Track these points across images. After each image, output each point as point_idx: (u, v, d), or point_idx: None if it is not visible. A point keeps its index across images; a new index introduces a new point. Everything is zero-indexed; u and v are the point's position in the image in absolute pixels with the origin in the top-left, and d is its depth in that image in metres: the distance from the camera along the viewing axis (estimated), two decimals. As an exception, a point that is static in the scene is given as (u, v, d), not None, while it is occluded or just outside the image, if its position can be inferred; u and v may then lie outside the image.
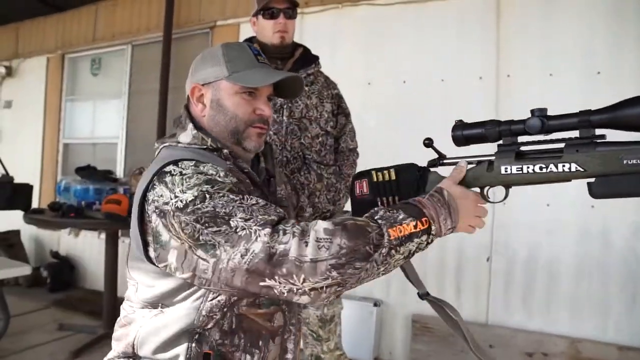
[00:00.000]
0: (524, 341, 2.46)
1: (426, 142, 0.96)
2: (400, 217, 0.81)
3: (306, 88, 1.82)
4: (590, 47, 2.46)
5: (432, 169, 0.97)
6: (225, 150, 0.98)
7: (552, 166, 0.82)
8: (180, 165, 0.88)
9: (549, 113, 0.83)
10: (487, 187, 0.92)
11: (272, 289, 0.77)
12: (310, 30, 3.11)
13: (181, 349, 0.89)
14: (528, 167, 0.84)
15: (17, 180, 2.98)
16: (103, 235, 3.45)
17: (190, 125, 1.00)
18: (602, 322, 2.37)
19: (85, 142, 4.60)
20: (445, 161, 0.96)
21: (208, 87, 1.01)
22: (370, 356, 2.74)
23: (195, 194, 0.82)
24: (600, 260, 2.39)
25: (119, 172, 4.09)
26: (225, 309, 0.91)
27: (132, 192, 3.02)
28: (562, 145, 0.83)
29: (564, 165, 0.81)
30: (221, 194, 0.82)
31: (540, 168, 0.83)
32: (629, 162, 0.75)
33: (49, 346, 2.84)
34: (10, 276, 2.75)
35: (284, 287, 0.76)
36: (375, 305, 2.77)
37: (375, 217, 0.81)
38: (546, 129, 0.82)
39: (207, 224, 0.79)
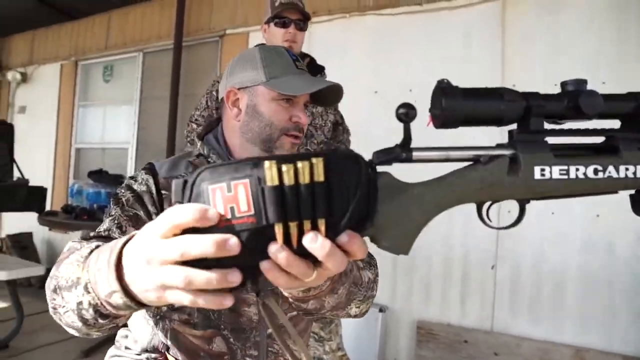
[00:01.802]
0: (529, 349, 2.47)
1: (400, 112, 0.50)
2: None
3: None
4: (595, 57, 2.48)
5: (379, 168, 0.51)
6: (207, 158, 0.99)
7: (611, 169, 0.54)
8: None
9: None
10: (490, 203, 0.57)
11: None
12: (318, 39, 3.17)
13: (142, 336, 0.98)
14: (577, 170, 0.53)
15: (31, 183, 3.06)
16: (113, 239, 3.51)
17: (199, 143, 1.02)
18: (608, 332, 2.38)
19: (97, 147, 4.69)
20: (413, 153, 0.52)
21: (244, 91, 0.97)
22: (375, 362, 2.77)
23: (115, 192, 0.94)
24: (606, 269, 2.40)
25: (130, 177, 4.16)
26: (157, 317, 0.93)
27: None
28: (607, 141, 0.57)
29: (627, 169, 0.54)
30: (115, 200, 0.90)
31: (596, 171, 0.54)
32: None
33: (61, 345, 2.90)
34: (24, 276, 2.82)
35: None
36: (380, 310, 2.80)
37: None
38: (600, 111, 0.54)
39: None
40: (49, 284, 0.67)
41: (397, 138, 0.51)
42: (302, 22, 1.86)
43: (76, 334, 0.66)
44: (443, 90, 0.53)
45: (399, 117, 0.51)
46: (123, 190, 0.91)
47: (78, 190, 3.20)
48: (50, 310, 0.67)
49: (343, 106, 2.08)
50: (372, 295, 0.87)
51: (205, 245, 0.41)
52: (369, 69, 3.07)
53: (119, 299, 0.51)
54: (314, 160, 0.44)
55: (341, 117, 2.07)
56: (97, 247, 0.61)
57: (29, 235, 4.54)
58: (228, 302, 0.44)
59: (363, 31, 3.12)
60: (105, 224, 0.86)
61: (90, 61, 4.75)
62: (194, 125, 1.98)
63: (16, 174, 3.00)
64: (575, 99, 0.54)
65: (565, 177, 0.53)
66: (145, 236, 0.47)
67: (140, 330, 0.99)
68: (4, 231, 5.01)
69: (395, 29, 3.00)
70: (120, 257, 0.51)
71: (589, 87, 0.54)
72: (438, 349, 2.65)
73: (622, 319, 2.36)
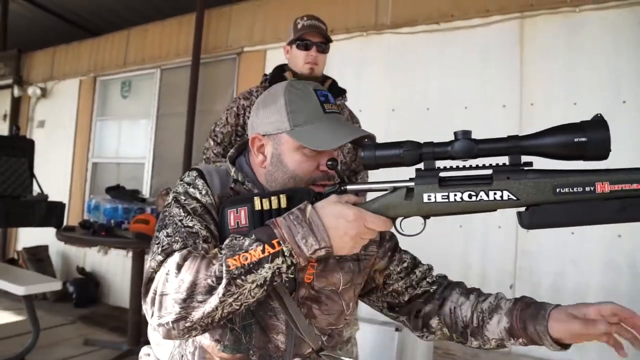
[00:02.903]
0: (549, 372, 2.42)
1: (329, 164, 0.84)
2: (246, 243, 0.76)
3: None
4: (615, 75, 2.47)
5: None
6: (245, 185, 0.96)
7: (482, 194, 0.74)
8: (185, 173, 0.96)
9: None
10: (402, 218, 0.81)
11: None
12: (336, 57, 3.19)
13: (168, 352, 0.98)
14: (455, 195, 0.75)
15: (49, 197, 3.09)
16: (129, 254, 3.53)
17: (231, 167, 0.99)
18: (632, 354, 2.32)
19: (113, 161, 4.75)
20: (347, 187, 0.83)
21: (269, 138, 0.92)
22: (392, 382, 2.72)
23: (171, 196, 0.91)
24: (629, 288, 2.35)
25: (146, 192, 4.20)
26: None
27: (158, 212, 3.10)
28: (488, 172, 0.76)
29: (495, 193, 0.74)
30: (179, 205, 0.88)
31: (470, 196, 0.74)
32: (562, 191, 0.71)
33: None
34: (42, 291, 2.84)
35: (147, 317, 0.78)
36: (396, 330, 2.76)
37: (223, 246, 0.78)
38: (475, 153, 0.75)
39: (158, 226, 0.88)
40: (198, 285, 0.74)
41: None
42: (324, 44, 1.88)
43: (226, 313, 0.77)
44: (363, 146, 0.81)
45: (329, 167, 0.85)
46: (184, 198, 0.89)
47: (95, 205, 3.23)
48: (214, 305, 0.74)
49: (362, 123, 2.09)
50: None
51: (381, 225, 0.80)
52: (386, 87, 3.09)
53: (322, 252, 0.77)
54: (281, 196, 0.84)
55: (357, 121, 2.07)
56: (237, 239, 0.78)
57: (45, 249, 4.59)
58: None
59: (380, 49, 3.14)
60: (196, 228, 0.85)
61: (109, 77, 4.83)
62: (211, 142, 2.00)
63: (35, 189, 3.04)
64: (450, 145, 0.76)
65: (447, 200, 0.76)
66: (354, 224, 0.77)
67: (163, 349, 1.00)
68: (20, 244, 5.06)
69: (413, 47, 3.02)
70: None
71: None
72: (456, 370, 2.61)
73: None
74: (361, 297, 1.10)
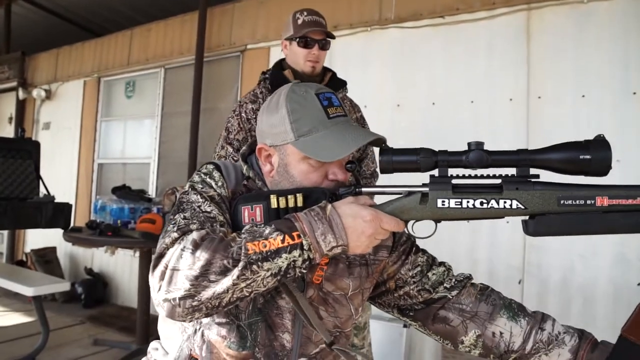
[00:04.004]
0: (560, 367, 2.40)
1: (348, 166, 0.89)
2: (267, 231, 0.77)
3: None
4: (624, 67, 2.43)
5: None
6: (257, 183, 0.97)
7: (493, 202, 0.80)
8: (202, 166, 0.97)
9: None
10: (414, 221, 0.85)
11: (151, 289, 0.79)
12: (340, 53, 3.18)
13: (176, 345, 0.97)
14: (468, 202, 0.81)
15: (55, 199, 3.10)
16: (136, 254, 3.54)
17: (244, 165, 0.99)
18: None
19: (119, 162, 4.76)
20: (362, 189, 0.86)
21: (275, 149, 0.92)
22: (401, 379, 2.71)
23: (187, 185, 0.92)
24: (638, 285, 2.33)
25: (151, 192, 4.21)
26: (197, 327, 0.93)
27: (164, 211, 3.10)
28: (497, 182, 0.82)
29: (505, 202, 0.80)
30: (197, 192, 0.88)
31: (482, 203, 0.80)
32: (565, 203, 0.78)
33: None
34: (51, 292, 2.85)
35: (152, 292, 0.78)
36: (404, 326, 2.75)
37: (242, 231, 0.79)
38: (488, 163, 0.81)
39: (173, 210, 0.88)
40: (214, 265, 0.74)
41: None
42: (325, 41, 1.85)
43: (236, 294, 0.76)
44: (381, 151, 0.84)
45: (348, 169, 0.90)
46: (201, 186, 0.90)
47: (102, 206, 3.24)
48: (225, 287, 0.74)
49: (367, 119, 2.07)
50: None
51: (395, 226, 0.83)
52: (391, 82, 3.07)
53: (338, 249, 0.78)
54: (297, 195, 0.85)
55: (363, 121, 2.04)
56: (255, 228, 0.79)
57: (52, 250, 4.61)
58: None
59: (385, 44, 3.12)
60: (214, 213, 0.86)
61: (113, 77, 4.84)
62: (230, 149, 1.91)
63: (42, 191, 3.05)
64: (465, 154, 0.81)
65: (460, 206, 0.81)
66: (370, 224, 0.80)
67: (172, 342, 1.00)
68: (28, 246, 5.09)
69: (417, 42, 2.99)
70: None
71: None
72: (466, 366, 2.59)
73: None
74: (371, 299, 1.09)
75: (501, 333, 0.96)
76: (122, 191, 3.32)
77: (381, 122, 2.97)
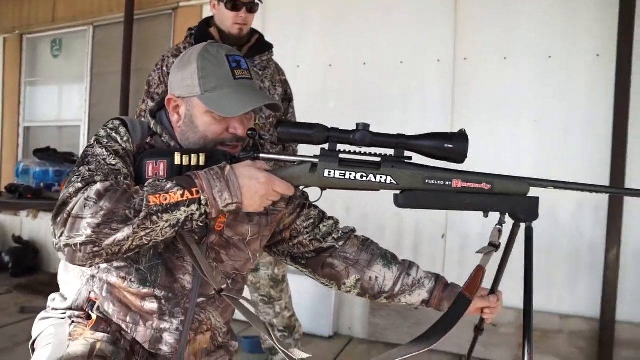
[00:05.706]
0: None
1: (249, 132, 0.96)
2: (168, 186, 0.82)
3: (260, 72, 1.88)
4: (544, 31, 2.55)
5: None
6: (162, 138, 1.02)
7: (371, 176, 0.93)
8: (109, 121, 1.00)
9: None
10: (303, 187, 0.97)
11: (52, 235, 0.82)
12: (272, 13, 3.12)
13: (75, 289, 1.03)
14: (350, 174, 0.93)
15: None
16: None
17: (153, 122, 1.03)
18: (547, 294, 2.51)
19: (48, 125, 4.50)
20: (261, 155, 0.95)
21: (182, 100, 0.99)
22: (330, 332, 2.83)
23: (93, 139, 0.95)
24: (548, 236, 2.52)
25: (82, 155, 4.02)
26: (96, 272, 0.99)
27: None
28: (377, 159, 0.95)
29: (381, 177, 0.93)
30: (102, 146, 0.92)
31: (362, 176, 0.93)
32: (429, 182, 0.94)
33: (10, 329, 2.82)
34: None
35: (53, 237, 0.82)
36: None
37: (145, 184, 0.84)
38: (370, 142, 0.93)
39: (78, 162, 0.91)
40: (116, 214, 0.78)
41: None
42: (253, 4, 1.81)
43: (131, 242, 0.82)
44: (280, 123, 0.95)
45: (249, 136, 0.97)
46: (107, 140, 0.93)
47: (24, 169, 3.08)
48: (126, 235, 0.79)
49: (299, 79, 2.07)
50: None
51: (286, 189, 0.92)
52: (323, 43, 3.05)
53: (233, 206, 0.86)
54: (200, 155, 0.92)
55: (286, 84, 2.04)
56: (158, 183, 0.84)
57: (-24, 218, 4.36)
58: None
59: (317, 4, 3.08)
60: (119, 166, 0.90)
61: (37, 35, 4.51)
62: (150, 102, 1.90)
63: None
64: (353, 133, 0.93)
65: (343, 177, 0.94)
66: (264, 186, 0.88)
67: (70, 288, 1.05)
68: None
69: (348, 2, 2.98)
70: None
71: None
72: (390, 316, 2.74)
73: (558, 281, 2.50)
74: (267, 247, 1.18)
75: (376, 277, 1.13)
76: (43, 153, 3.16)
77: (314, 82, 2.97)
